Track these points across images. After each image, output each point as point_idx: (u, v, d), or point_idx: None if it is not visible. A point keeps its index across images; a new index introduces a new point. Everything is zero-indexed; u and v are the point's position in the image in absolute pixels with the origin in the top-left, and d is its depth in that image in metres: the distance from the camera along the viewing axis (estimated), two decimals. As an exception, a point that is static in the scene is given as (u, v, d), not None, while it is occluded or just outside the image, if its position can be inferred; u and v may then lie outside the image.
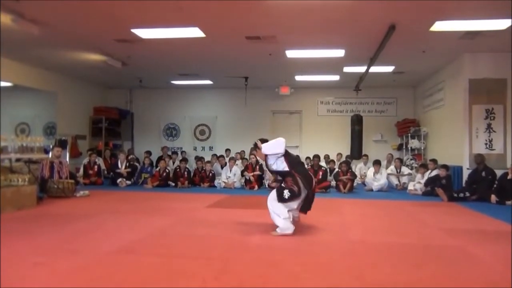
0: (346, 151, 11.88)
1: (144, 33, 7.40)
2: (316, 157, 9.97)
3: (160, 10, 6.26)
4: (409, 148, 12.01)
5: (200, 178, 10.39)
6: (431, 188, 8.66)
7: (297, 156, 5.28)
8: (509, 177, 7.64)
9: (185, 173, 10.33)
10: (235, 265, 3.38)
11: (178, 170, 10.41)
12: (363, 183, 10.55)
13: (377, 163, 10.24)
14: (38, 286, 2.80)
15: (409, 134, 12.00)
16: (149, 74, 11.57)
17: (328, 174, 10.04)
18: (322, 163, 10.73)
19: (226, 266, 3.33)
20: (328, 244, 4.17)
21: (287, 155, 4.80)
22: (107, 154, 12.35)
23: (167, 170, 10.33)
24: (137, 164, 11.17)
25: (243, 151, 12.28)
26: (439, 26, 6.78)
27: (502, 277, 3.17)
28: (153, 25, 7.01)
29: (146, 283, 2.87)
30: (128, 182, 10.28)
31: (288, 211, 4.59)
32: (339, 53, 8.64)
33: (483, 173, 8.11)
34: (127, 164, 10.65)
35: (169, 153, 12.88)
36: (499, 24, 6.67)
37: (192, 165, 11.44)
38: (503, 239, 4.52)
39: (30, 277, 2.98)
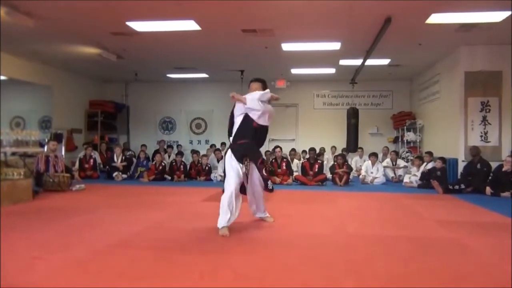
0: (342, 144, 11.89)
1: (139, 26, 7.35)
2: (312, 150, 9.97)
3: (155, 3, 6.21)
4: (405, 141, 12.06)
5: (196, 172, 10.39)
6: (427, 180, 8.70)
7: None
8: (504, 169, 7.68)
9: (181, 166, 10.32)
10: (231, 258, 3.39)
11: (174, 164, 10.40)
12: (358, 175, 10.56)
13: (373, 155, 10.27)
14: (35, 280, 2.79)
15: (405, 127, 12.04)
16: (144, 68, 11.51)
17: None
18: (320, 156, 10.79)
19: (223, 259, 3.34)
20: (324, 237, 4.18)
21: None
22: (103, 148, 12.31)
23: (163, 164, 10.32)
24: (133, 158, 11.17)
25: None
26: (435, 18, 6.77)
27: (498, 269, 3.20)
28: (148, 18, 6.97)
29: (143, 276, 2.87)
30: (124, 176, 10.27)
31: None
32: (335, 46, 8.62)
33: (479, 165, 8.15)
34: (123, 158, 10.63)
35: (165, 146, 12.88)
36: (495, 16, 6.67)
37: (188, 159, 11.44)
38: (498, 231, 4.55)
39: (27, 271, 2.98)
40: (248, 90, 4.47)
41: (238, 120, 4.33)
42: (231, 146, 4.40)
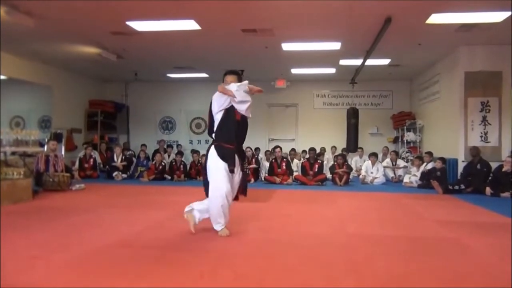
0: (342, 144, 11.90)
1: (139, 25, 7.35)
2: (312, 150, 9.97)
3: (155, 2, 6.21)
4: (405, 141, 12.06)
5: (196, 172, 10.38)
6: (427, 180, 8.70)
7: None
8: (504, 169, 7.68)
9: (181, 166, 10.32)
10: (231, 257, 3.38)
11: (174, 163, 10.40)
12: (358, 175, 10.56)
13: (373, 155, 10.27)
14: (35, 279, 2.79)
15: (405, 127, 12.04)
16: (144, 67, 11.51)
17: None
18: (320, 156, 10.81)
19: (223, 258, 3.34)
20: (324, 237, 4.18)
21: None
22: (103, 148, 12.31)
23: (163, 164, 10.33)
24: (133, 158, 11.17)
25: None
26: (435, 18, 6.77)
27: (498, 269, 3.20)
28: (148, 17, 6.97)
29: (143, 275, 2.87)
30: (124, 176, 10.27)
31: None
32: (335, 46, 8.62)
33: (478, 166, 8.15)
34: (123, 158, 10.63)
35: (165, 146, 12.88)
36: (495, 17, 6.67)
37: (188, 159, 11.44)
38: (498, 231, 4.55)
39: (27, 271, 2.97)
40: (223, 84, 4.16)
41: (218, 117, 4.08)
42: (215, 145, 4.10)
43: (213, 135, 4.16)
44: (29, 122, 12.45)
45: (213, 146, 4.11)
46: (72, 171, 8.98)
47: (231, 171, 4.03)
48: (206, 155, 4.19)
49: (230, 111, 4.07)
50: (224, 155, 4.02)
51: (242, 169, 4.27)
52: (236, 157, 4.13)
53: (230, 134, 4.07)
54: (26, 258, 3.26)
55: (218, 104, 4.07)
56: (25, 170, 6.84)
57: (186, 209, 4.19)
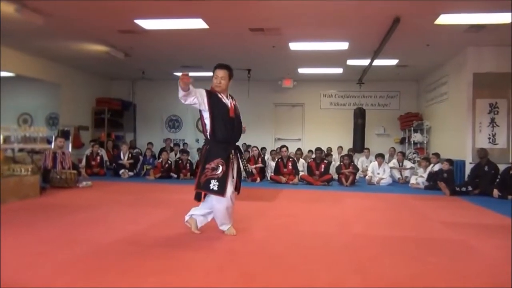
0: (348, 144, 11.87)
1: (147, 24, 7.37)
2: (319, 150, 9.95)
3: (163, 1, 6.23)
4: (412, 142, 12.00)
5: (202, 170, 10.37)
6: (433, 181, 8.65)
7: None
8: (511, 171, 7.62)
9: (187, 165, 10.34)
10: (237, 256, 3.39)
11: (180, 162, 10.41)
12: (364, 176, 10.51)
13: (380, 156, 10.22)
14: (39, 275, 2.81)
15: (412, 128, 11.99)
16: (152, 66, 11.55)
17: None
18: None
19: (229, 257, 3.35)
20: (329, 237, 4.17)
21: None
22: (110, 145, 12.37)
23: (169, 162, 10.35)
24: (139, 156, 11.22)
25: (245, 143, 12.28)
26: (444, 19, 6.73)
27: (504, 270, 3.17)
28: (156, 16, 6.98)
29: (148, 274, 2.88)
30: (131, 173, 10.30)
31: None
32: (343, 45, 8.59)
33: (486, 168, 8.09)
34: (130, 155, 10.68)
35: (171, 145, 12.92)
36: (504, 18, 6.61)
37: (194, 157, 11.46)
38: (505, 233, 4.52)
39: (32, 266, 2.99)
40: (213, 78, 4.16)
41: (206, 115, 3.98)
42: (208, 147, 3.98)
43: (207, 134, 3.99)
44: (37, 119, 12.53)
45: (207, 148, 3.98)
46: (79, 169, 9.03)
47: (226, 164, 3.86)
48: (201, 158, 4.00)
49: (220, 108, 3.94)
50: (218, 154, 3.88)
51: (239, 167, 4.17)
52: (232, 155, 4.00)
53: (225, 135, 3.93)
54: (31, 255, 3.28)
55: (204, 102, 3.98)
56: (33, 167, 6.88)
57: (186, 217, 4.15)
